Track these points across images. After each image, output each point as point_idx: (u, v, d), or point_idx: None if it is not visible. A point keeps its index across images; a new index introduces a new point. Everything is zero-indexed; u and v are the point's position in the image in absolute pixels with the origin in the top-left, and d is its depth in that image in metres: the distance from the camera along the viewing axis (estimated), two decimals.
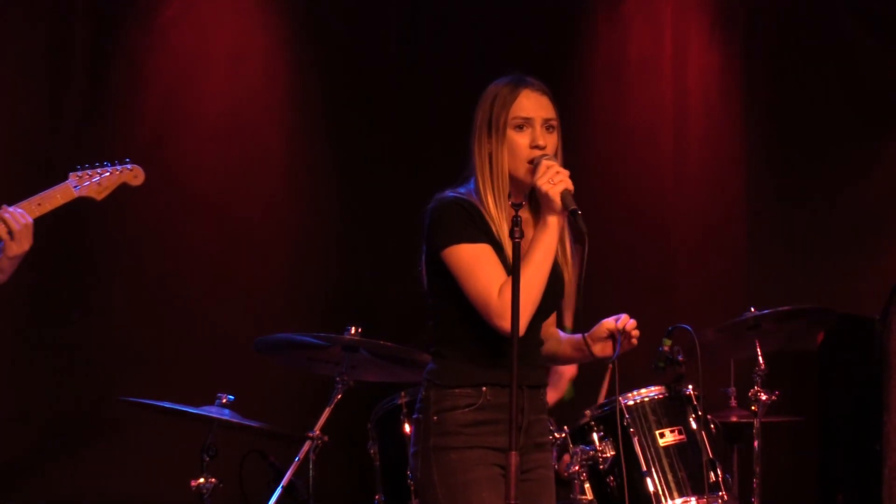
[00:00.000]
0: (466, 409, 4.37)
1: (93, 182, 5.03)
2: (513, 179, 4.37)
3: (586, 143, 7.18)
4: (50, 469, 6.77)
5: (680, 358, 5.23)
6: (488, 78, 7.04)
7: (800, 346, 6.89)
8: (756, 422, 5.90)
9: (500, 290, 4.26)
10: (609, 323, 4.40)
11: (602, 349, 4.42)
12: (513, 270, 4.15)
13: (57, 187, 4.97)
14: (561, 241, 4.40)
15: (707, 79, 7.36)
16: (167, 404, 5.72)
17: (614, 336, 4.40)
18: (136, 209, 6.48)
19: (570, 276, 4.46)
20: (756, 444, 5.92)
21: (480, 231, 4.34)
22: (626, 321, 4.38)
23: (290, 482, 5.60)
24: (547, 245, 4.29)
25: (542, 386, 4.47)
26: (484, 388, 4.37)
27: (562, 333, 4.59)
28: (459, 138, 7.07)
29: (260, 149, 7.03)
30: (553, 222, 4.28)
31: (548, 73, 6.91)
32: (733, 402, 6.09)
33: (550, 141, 4.39)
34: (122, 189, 5.12)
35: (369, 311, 6.47)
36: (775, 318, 5.90)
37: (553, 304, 4.45)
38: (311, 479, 5.56)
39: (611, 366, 4.48)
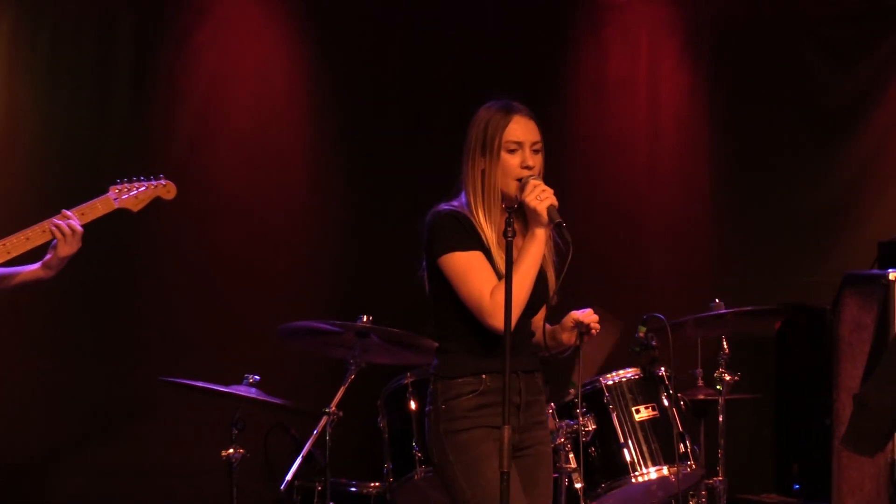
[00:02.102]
0: (470, 395, 4.35)
1: (130, 195, 5.03)
2: (503, 195, 4.36)
3: (570, 153, 7.18)
4: (97, 440, 6.78)
5: (654, 343, 5.24)
6: (486, 95, 7.08)
7: (760, 332, 6.91)
8: (721, 399, 5.92)
9: (492, 293, 4.25)
10: (575, 314, 4.40)
11: (568, 337, 4.42)
12: (506, 266, 4.14)
13: (99, 199, 4.97)
14: (547, 247, 4.39)
15: (677, 97, 7.37)
16: (201, 384, 5.72)
17: (579, 326, 4.39)
18: (173, 211, 6.39)
19: (552, 278, 4.44)
20: (721, 419, 5.94)
21: (473, 240, 4.33)
22: (588, 315, 4.38)
23: (309, 452, 5.59)
24: (534, 254, 4.29)
25: (536, 371, 4.44)
26: (484, 376, 4.35)
27: (547, 326, 4.55)
28: (457, 148, 7.12)
29: (282, 158, 7.02)
30: (540, 234, 4.28)
31: (538, 90, 6.99)
32: (700, 382, 6.07)
33: (537, 161, 4.38)
34: (157, 202, 5.13)
35: (379, 302, 6.43)
36: (738, 314, 5.89)
37: (538, 302, 4.43)
38: (327, 449, 5.55)
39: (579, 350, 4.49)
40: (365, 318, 5.59)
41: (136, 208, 5.05)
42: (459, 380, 4.37)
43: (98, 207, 4.95)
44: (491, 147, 4.40)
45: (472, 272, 4.32)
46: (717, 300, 5.91)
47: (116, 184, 5.03)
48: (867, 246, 6.69)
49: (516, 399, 4.36)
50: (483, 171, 4.38)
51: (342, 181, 7.06)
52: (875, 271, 6.28)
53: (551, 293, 4.45)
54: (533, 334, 4.48)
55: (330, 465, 5.56)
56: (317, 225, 7.03)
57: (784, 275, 7.21)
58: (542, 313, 4.55)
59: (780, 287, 7.04)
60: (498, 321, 4.22)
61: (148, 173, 5.12)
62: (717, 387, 5.90)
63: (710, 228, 7.30)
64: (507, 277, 4.18)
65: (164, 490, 6.72)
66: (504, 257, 4.29)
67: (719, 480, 5.94)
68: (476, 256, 4.33)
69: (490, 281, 4.29)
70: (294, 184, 7.02)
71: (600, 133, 7.42)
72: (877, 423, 4.43)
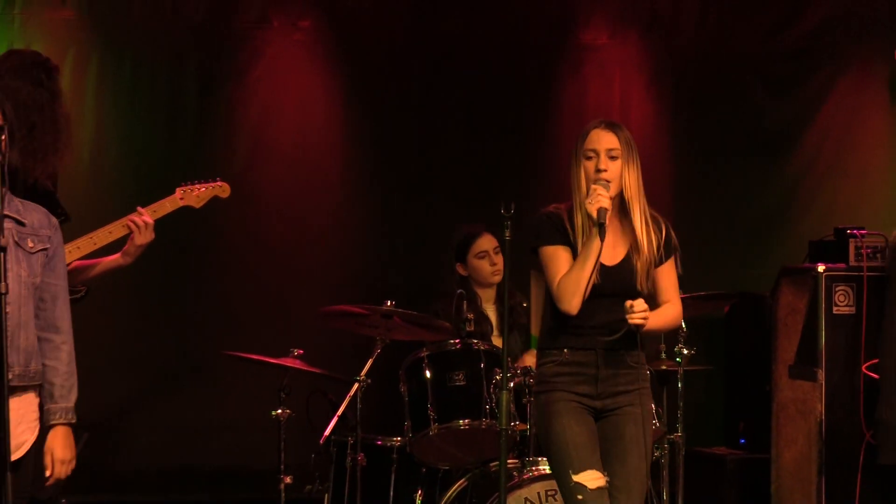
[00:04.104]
0: (551, 365, 4.39)
1: (192, 195, 5.06)
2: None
3: (556, 170, 7.12)
4: (166, 402, 6.83)
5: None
6: (490, 118, 7.15)
7: (712, 314, 6.92)
8: (679, 370, 5.93)
9: (559, 282, 4.30)
10: (628, 302, 4.33)
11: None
12: (504, 267, 4.16)
13: (167, 198, 5.02)
14: (643, 239, 4.42)
15: (645, 122, 7.35)
16: (255, 356, 5.75)
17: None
18: (232, 214, 6.48)
19: (642, 266, 4.43)
20: (680, 385, 5.95)
21: (558, 234, 4.36)
22: (629, 306, 4.29)
23: (343, 413, 5.62)
24: (589, 248, 4.29)
25: (617, 350, 4.38)
26: (565, 350, 4.38)
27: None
28: (464, 162, 7.16)
29: (321, 171, 7.02)
30: (594, 232, 4.29)
31: (530, 117, 7.02)
32: (663, 355, 6.07)
33: (612, 166, 4.39)
34: (215, 199, 5.15)
35: (401, 289, 6.47)
36: (694, 299, 5.87)
37: (621, 288, 4.38)
38: (358, 410, 5.56)
39: None
40: (389, 303, 5.59)
41: (198, 205, 5.08)
42: (548, 350, 4.42)
43: (167, 205, 4.99)
44: (578, 157, 4.43)
45: (550, 263, 4.37)
46: None
47: (181, 185, 5.07)
48: (800, 244, 6.68)
49: (593, 371, 4.37)
50: (576, 176, 4.42)
51: (370, 190, 7.07)
52: (807, 265, 6.29)
53: (638, 281, 4.43)
54: (620, 318, 4.33)
55: (360, 422, 5.57)
56: (349, 225, 7.03)
57: (732, 267, 7.21)
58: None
59: (729, 277, 7.03)
60: (563, 304, 4.30)
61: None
62: (677, 359, 5.92)
63: (672, 229, 7.29)
64: (504, 283, 4.19)
65: (222, 443, 6.78)
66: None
67: (678, 436, 5.95)
68: (556, 249, 4.37)
69: (563, 270, 4.33)
70: (330, 192, 7.02)
71: None
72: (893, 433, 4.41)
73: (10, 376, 3.86)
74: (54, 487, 4.70)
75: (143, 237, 4.87)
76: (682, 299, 5.74)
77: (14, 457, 3.83)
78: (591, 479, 4.30)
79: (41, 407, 3.99)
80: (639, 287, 4.43)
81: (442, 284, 6.28)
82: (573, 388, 4.37)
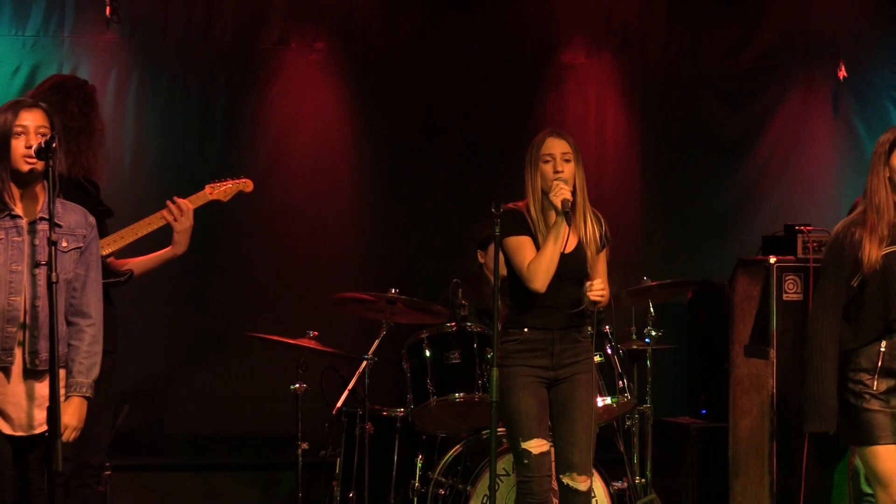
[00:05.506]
0: (514, 343, 4.45)
1: (220, 190, 5.05)
2: (545, 194, 4.43)
3: None
4: (200, 377, 6.78)
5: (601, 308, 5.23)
6: (482, 127, 7.13)
7: (677, 300, 6.92)
8: (648, 349, 5.93)
9: (528, 265, 4.34)
10: (587, 283, 4.42)
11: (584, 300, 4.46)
12: (495, 264, 4.13)
13: (198, 193, 5.00)
14: (590, 231, 4.47)
15: (618, 131, 7.35)
16: (276, 337, 5.77)
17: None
18: (256, 212, 6.53)
19: (591, 254, 4.49)
20: (649, 363, 5.95)
21: (522, 227, 4.42)
22: (589, 286, 4.40)
23: (353, 387, 5.62)
24: (554, 234, 4.37)
25: (570, 328, 4.46)
26: (525, 329, 4.43)
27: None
28: (461, 167, 7.16)
29: (334, 174, 6.99)
30: (558, 221, 4.36)
31: (516, 128, 7.03)
32: (634, 336, 6.07)
33: (567, 167, 4.45)
34: (241, 196, 5.13)
35: (404, 278, 6.46)
36: (661, 286, 5.92)
37: (577, 272, 4.45)
38: (366, 385, 5.56)
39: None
40: (393, 290, 5.60)
41: (225, 199, 5.06)
42: (511, 330, 4.46)
43: (198, 200, 4.97)
44: (534, 162, 4.47)
45: (518, 251, 4.41)
46: (645, 278, 5.94)
47: (210, 182, 5.05)
48: (754, 239, 6.70)
49: (550, 347, 4.43)
50: (531, 179, 4.45)
51: (377, 191, 7.03)
52: (760, 257, 6.29)
53: (589, 265, 4.49)
54: (574, 299, 4.46)
55: (368, 396, 5.57)
56: (358, 222, 6.99)
57: (695, 258, 7.22)
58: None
59: (692, 267, 7.04)
60: (533, 283, 4.35)
61: None
62: (646, 339, 5.91)
63: (641, 226, 7.30)
64: (495, 273, 4.16)
65: (247, 413, 6.75)
66: (544, 239, 4.38)
67: (647, 407, 5.95)
68: (522, 239, 4.42)
69: (530, 256, 4.37)
70: (342, 193, 6.99)
71: None
72: (818, 405, 4.44)
73: (37, 361, 3.91)
74: (102, 452, 4.67)
75: (183, 223, 4.85)
76: (651, 287, 5.86)
77: (40, 430, 3.89)
78: (536, 446, 4.45)
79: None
80: (588, 270, 4.52)
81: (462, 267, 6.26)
82: (532, 363, 4.44)
